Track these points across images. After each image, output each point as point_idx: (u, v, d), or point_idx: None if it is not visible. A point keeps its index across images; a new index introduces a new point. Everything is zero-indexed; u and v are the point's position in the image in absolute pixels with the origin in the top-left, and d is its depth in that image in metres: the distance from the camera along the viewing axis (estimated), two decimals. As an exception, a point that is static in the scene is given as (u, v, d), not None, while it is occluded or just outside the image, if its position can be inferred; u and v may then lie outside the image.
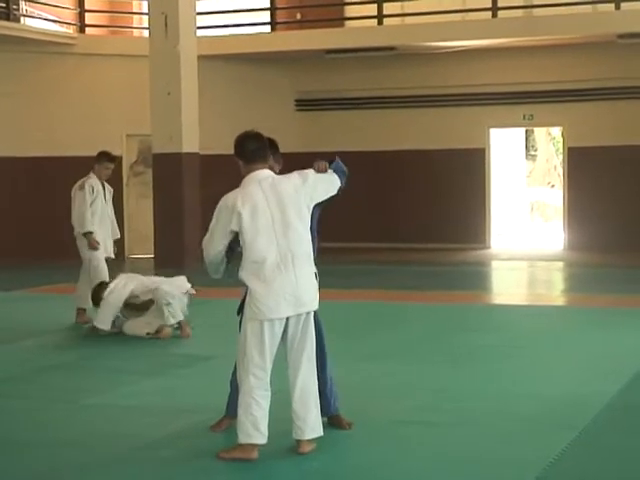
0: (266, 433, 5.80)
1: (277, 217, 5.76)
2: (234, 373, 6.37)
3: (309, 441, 5.91)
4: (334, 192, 6.09)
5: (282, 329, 5.82)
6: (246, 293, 5.89)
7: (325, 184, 6.03)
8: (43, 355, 9.44)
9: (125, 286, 10.04)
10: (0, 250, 17.47)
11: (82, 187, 10.92)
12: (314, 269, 5.96)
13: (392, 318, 11.18)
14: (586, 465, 5.79)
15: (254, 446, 5.78)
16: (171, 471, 5.71)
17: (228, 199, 5.83)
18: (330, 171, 6.11)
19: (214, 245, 5.90)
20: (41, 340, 10.02)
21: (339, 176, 6.17)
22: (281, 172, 6.25)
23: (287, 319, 5.81)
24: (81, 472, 5.75)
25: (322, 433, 5.95)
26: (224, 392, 6.77)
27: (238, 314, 6.10)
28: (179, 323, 10.03)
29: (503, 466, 5.69)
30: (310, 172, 6.03)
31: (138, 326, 10.00)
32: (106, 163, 11.03)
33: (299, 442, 5.90)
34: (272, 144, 6.20)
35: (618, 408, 7.01)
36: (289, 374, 5.94)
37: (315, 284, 5.92)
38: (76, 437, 6.52)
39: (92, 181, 10.97)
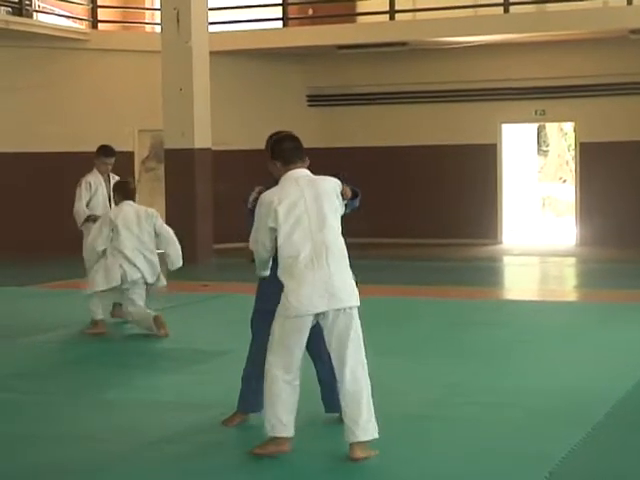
0: (292, 426, 5.77)
1: (313, 212, 5.76)
2: (246, 369, 6.40)
3: (360, 444, 5.72)
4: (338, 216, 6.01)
5: (312, 324, 5.76)
6: (259, 287, 6.01)
7: (341, 203, 5.99)
8: (56, 351, 9.49)
9: None
10: (11, 245, 17.53)
11: (79, 183, 10.94)
12: (349, 267, 5.89)
13: (404, 313, 11.19)
14: (599, 460, 5.79)
15: (285, 439, 5.75)
16: (185, 466, 5.73)
17: (265, 197, 5.84)
18: (345, 201, 6.05)
19: (260, 242, 5.89)
20: (54, 336, 10.05)
21: (351, 205, 6.17)
22: None
23: (324, 315, 5.76)
24: (95, 466, 5.77)
25: (377, 435, 5.74)
26: (238, 387, 6.80)
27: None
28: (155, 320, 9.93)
29: (516, 461, 5.70)
30: (340, 186, 6.00)
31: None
32: (102, 158, 11.02)
33: (351, 446, 5.74)
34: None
35: (631, 404, 7.01)
36: (336, 372, 5.87)
37: (352, 280, 5.88)
38: (90, 431, 6.55)
39: (90, 177, 10.95)
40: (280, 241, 5.75)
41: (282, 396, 5.72)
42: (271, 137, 6.27)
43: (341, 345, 5.81)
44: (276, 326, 5.77)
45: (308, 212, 5.75)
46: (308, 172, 5.95)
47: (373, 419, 5.75)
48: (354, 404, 5.73)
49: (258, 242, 5.90)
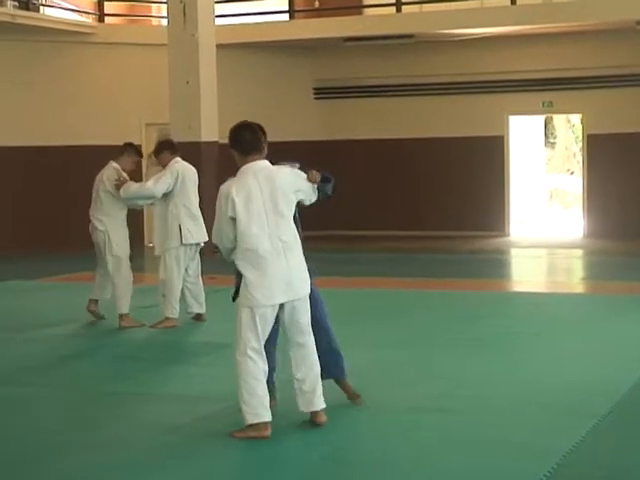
0: (269, 410, 5.97)
1: (269, 206, 5.96)
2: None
3: (322, 411, 6.16)
4: (308, 202, 6.24)
5: (275, 314, 6.02)
6: (239, 280, 6.10)
7: (308, 191, 6.18)
8: (62, 344, 9.50)
9: None
10: (16, 239, 17.56)
11: (101, 179, 10.85)
12: (302, 254, 6.12)
13: (410, 305, 11.19)
14: (606, 453, 5.79)
15: (266, 424, 5.92)
16: (190, 457, 5.74)
17: (223, 188, 6.04)
18: (314, 187, 6.21)
19: (223, 233, 6.05)
20: (60, 329, 10.06)
21: (323, 191, 6.28)
22: (302, 159, 6.49)
23: (283, 305, 6.02)
24: (96, 458, 5.78)
25: (325, 405, 6.18)
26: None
27: (233, 301, 6.27)
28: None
29: (523, 453, 5.70)
30: (302, 173, 6.18)
31: None
32: (134, 156, 10.96)
33: (315, 414, 6.14)
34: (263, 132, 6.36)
35: (637, 397, 7.00)
36: (291, 353, 6.18)
37: (305, 269, 6.10)
38: (92, 424, 6.58)
39: (109, 173, 10.86)
40: (239, 232, 5.94)
41: (260, 382, 5.97)
42: (233, 127, 6.44)
43: (301, 331, 6.12)
44: (242, 316, 6.00)
45: (265, 206, 5.95)
46: (267, 164, 6.11)
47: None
48: (312, 377, 6.16)
49: (222, 233, 6.07)
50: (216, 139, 16.74)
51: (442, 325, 9.93)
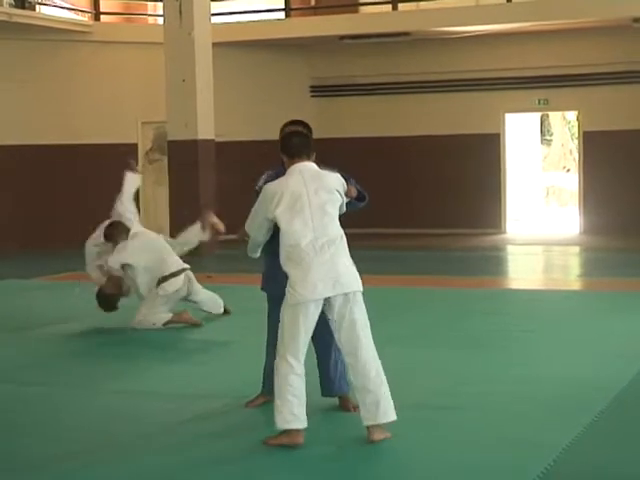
0: (304, 417, 5.78)
1: (314, 203, 5.88)
2: (268, 357, 6.42)
3: (381, 427, 5.85)
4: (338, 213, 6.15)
5: (319, 312, 5.85)
6: (266, 269, 6.21)
7: (342, 201, 6.13)
8: (61, 342, 9.51)
9: None
10: (15, 237, 17.56)
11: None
12: (349, 256, 6.00)
13: (408, 303, 11.20)
14: (603, 448, 5.81)
15: (298, 431, 5.76)
16: (188, 456, 5.76)
17: (270, 187, 6.00)
18: (346, 200, 6.19)
19: (257, 226, 6.09)
20: (59, 327, 10.07)
21: (354, 206, 6.35)
22: None
23: (330, 300, 5.84)
24: (97, 456, 5.80)
25: (395, 417, 5.87)
26: (241, 377, 6.84)
27: (262, 289, 6.43)
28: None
29: (521, 449, 5.72)
30: (344, 183, 6.15)
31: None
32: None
33: (369, 428, 5.85)
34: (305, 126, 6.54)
35: (634, 392, 7.02)
36: (345, 357, 5.97)
37: (353, 267, 5.98)
38: (92, 422, 6.58)
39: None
40: (282, 230, 5.85)
41: (293, 388, 5.75)
42: (283, 128, 6.50)
43: (351, 329, 5.92)
44: (284, 315, 5.84)
45: (310, 202, 5.87)
46: (314, 165, 6.08)
47: (390, 399, 5.86)
48: (376, 386, 5.84)
49: (255, 225, 6.09)
50: (212, 137, 16.77)
51: (439, 322, 9.94)
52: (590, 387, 7.10)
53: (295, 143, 6.10)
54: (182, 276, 10.07)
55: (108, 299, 9.96)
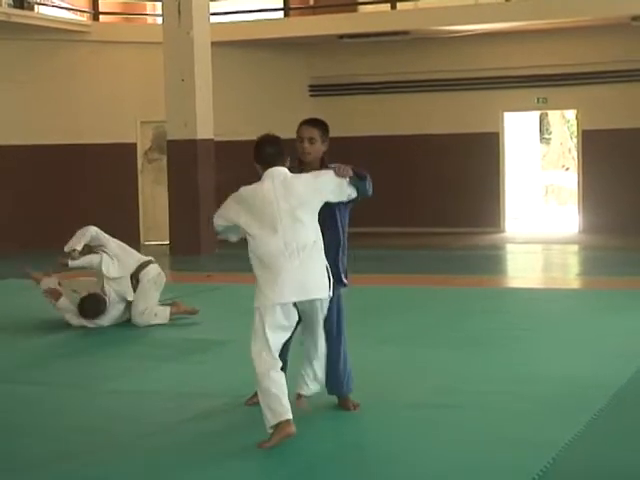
0: (289, 408, 5.85)
1: (284, 209, 5.96)
2: None
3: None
4: (343, 199, 6.24)
5: (291, 313, 5.97)
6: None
7: (336, 188, 6.20)
8: (60, 342, 9.52)
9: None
10: (15, 238, 17.57)
11: None
12: (324, 261, 6.06)
13: (407, 302, 11.21)
14: (602, 447, 5.81)
15: (288, 422, 5.80)
16: (188, 455, 5.76)
17: (242, 192, 6.12)
18: (346, 181, 6.19)
19: (222, 218, 6.19)
20: (59, 328, 10.06)
21: (359, 188, 6.27)
22: (298, 156, 6.51)
23: (297, 305, 5.98)
24: (97, 455, 5.80)
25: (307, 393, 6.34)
26: (240, 376, 6.84)
27: None
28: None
29: (520, 447, 5.72)
30: (326, 172, 6.22)
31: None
32: None
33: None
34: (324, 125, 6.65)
35: (633, 391, 7.03)
36: (306, 352, 6.27)
37: (324, 273, 6.02)
38: (91, 422, 6.58)
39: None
40: (252, 236, 5.99)
41: (275, 383, 5.85)
42: (300, 126, 6.58)
43: (313, 330, 6.18)
44: (255, 316, 5.95)
45: (279, 209, 5.96)
46: (286, 170, 6.13)
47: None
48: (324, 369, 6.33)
49: (219, 221, 6.19)
50: (212, 136, 16.77)
51: (438, 321, 9.95)
52: (589, 385, 7.11)
53: (268, 153, 6.15)
54: (155, 264, 10.22)
55: (95, 301, 9.91)
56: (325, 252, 6.08)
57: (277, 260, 5.89)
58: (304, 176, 6.19)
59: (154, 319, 9.95)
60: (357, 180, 6.22)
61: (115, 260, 9.94)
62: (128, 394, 7.32)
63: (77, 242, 9.86)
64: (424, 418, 6.40)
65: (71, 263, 9.89)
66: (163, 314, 10.03)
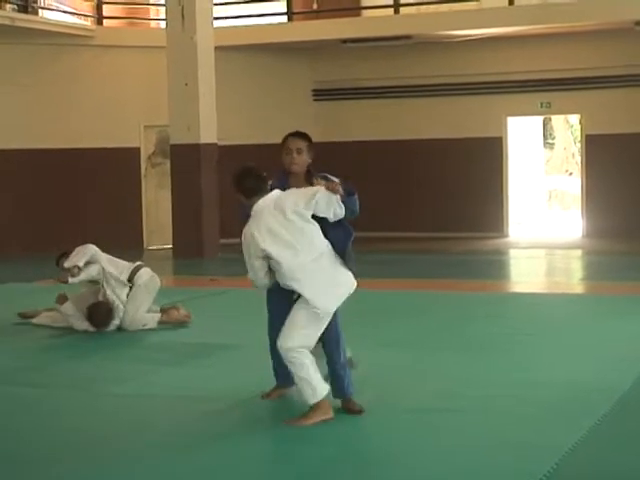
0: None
1: (290, 228, 6.24)
2: (272, 345, 6.63)
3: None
4: (330, 216, 6.36)
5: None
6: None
7: (323, 202, 6.32)
8: (62, 345, 9.53)
9: None
10: (16, 241, 17.58)
11: None
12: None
13: (410, 307, 11.20)
14: (606, 452, 5.80)
15: (328, 404, 6.25)
16: (190, 458, 5.75)
17: (247, 233, 6.33)
18: (337, 197, 6.32)
19: (259, 274, 6.36)
20: (59, 330, 10.06)
21: (348, 205, 6.41)
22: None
23: None
24: (98, 458, 5.79)
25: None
26: (243, 380, 6.85)
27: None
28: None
29: (523, 452, 5.71)
30: (316, 189, 6.36)
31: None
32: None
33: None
34: (309, 138, 6.72)
35: (637, 395, 7.01)
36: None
37: (346, 271, 6.40)
38: (90, 425, 6.57)
39: None
40: (276, 263, 6.23)
41: (314, 366, 6.23)
42: (285, 138, 6.69)
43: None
44: (299, 316, 6.22)
45: (286, 229, 6.23)
46: (273, 195, 6.36)
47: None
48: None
49: (256, 271, 6.35)
50: (215, 141, 16.79)
51: (440, 326, 9.94)
52: (593, 390, 7.09)
53: (249, 187, 6.37)
54: (147, 268, 10.21)
55: (103, 311, 9.93)
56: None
57: (310, 271, 6.21)
58: (292, 192, 6.41)
59: (142, 327, 9.96)
60: (346, 196, 6.37)
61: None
62: (130, 398, 7.31)
63: (79, 259, 9.85)
64: (426, 422, 6.39)
65: (71, 280, 9.90)
66: (152, 322, 10.04)
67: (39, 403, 7.26)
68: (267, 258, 6.24)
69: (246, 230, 6.32)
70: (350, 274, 6.37)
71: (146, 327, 9.98)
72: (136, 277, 10.02)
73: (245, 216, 6.40)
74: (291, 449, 5.83)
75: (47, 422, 6.70)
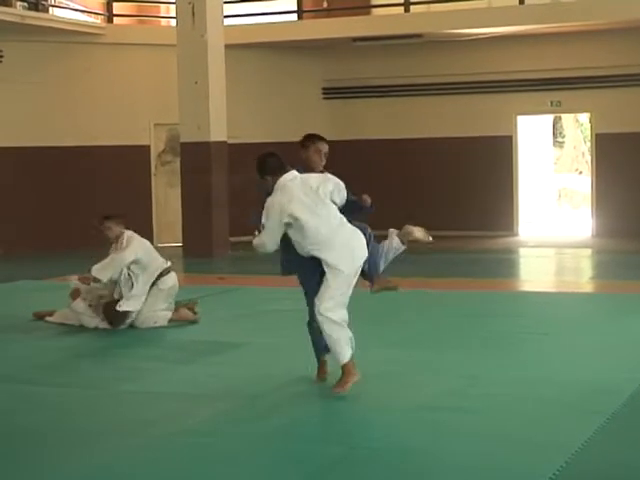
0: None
1: (317, 200, 7.06)
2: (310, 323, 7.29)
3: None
4: (337, 201, 7.25)
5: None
6: (284, 256, 7.30)
7: (338, 191, 7.25)
8: (73, 343, 9.54)
9: None
10: (26, 239, 17.61)
11: None
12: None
13: (419, 305, 11.21)
14: (615, 450, 5.80)
15: (354, 365, 6.91)
16: (203, 456, 5.77)
17: (274, 201, 7.04)
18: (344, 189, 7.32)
19: (273, 237, 7.10)
20: (71, 328, 10.09)
21: (363, 210, 7.66)
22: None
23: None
24: (112, 456, 5.81)
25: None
26: (253, 378, 6.84)
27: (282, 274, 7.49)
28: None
29: (532, 450, 5.72)
30: (332, 178, 7.30)
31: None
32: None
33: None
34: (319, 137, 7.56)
35: (647, 394, 7.02)
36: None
37: (362, 238, 7.26)
38: (104, 424, 6.58)
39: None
40: (301, 229, 6.98)
41: (345, 333, 6.95)
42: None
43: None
44: (330, 281, 6.96)
45: (312, 200, 7.04)
46: (295, 173, 7.16)
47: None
48: None
49: (270, 239, 7.11)
50: (225, 139, 16.79)
51: (451, 324, 9.94)
52: (602, 389, 7.09)
53: (274, 165, 7.17)
54: (173, 273, 10.29)
55: (117, 312, 9.98)
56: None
57: (332, 238, 7.01)
58: (314, 176, 7.26)
59: (154, 325, 10.03)
60: (368, 208, 7.68)
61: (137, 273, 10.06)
62: (142, 395, 7.33)
63: (105, 275, 9.91)
64: (436, 420, 6.39)
65: (92, 284, 9.99)
66: (163, 321, 10.10)
67: (53, 402, 7.27)
68: (289, 225, 6.97)
69: (272, 199, 7.05)
70: (363, 239, 7.22)
71: (156, 325, 10.02)
72: (161, 281, 10.11)
73: (266, 194, 7.09)
74: (299, 449, 5.84)
75: (61, 421, 6.71)
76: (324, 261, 7.01)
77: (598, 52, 18.28)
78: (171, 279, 10.24)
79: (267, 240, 7.10)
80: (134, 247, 10.04)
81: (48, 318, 10.39)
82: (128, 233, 10.21)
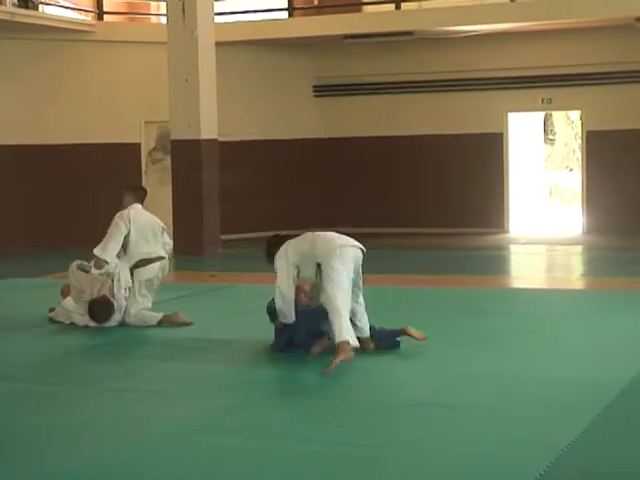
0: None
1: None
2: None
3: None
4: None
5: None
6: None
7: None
8: (67, 341, 9.52)
9: None
10: (18, 237, 17.59)
11: None
12: None
13: (410, 302, 11.21)
14: (604, 447, 5.81)
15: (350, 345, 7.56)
16: (195, 454, 5.77)
17: (281, 260, 8.13)
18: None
19: (287, 287, 8.06)
20: (64, 326, 10.08)
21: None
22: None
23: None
24: (99, 455, 5.81)
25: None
26: (246, 377, 6.83)
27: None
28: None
29: (521, 447, 5.72)
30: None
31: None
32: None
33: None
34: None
35: (637, 391, 7.03)
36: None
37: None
38: (96, 421, 6.58)
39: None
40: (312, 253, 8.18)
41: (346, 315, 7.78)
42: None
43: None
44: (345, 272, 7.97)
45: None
46: (286, 244, 8.24)
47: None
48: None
49: (286, 288, 8.05)
50: (216, 137, 16.78)
51: (441, 321, 9.94)
52: (592, 386, 7.10)
53: (278, 245, 8.28)
54: (157, 264, 10.14)
55: (104, 306, 9.94)
56: None
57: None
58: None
59: (143, 324, 9.99)
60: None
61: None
62: (134, 393, 7.31)
63: (107, 251, 9.86)
64: (425, 418, 6.40)
65: (93, 271, 9.92)
66: (153, 320, 10.03)
67: (46, 399, 7.25)
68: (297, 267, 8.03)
69: (281, 260, 8.08)
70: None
71: (146, 324, 9.98)
72: (137, 271, 10.01)
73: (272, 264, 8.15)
74: (288, 446, 5.83)
75: (55, 418, 6.69)
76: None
77: (589, 49, 18.31)
78: (148, 271, 10.07)
79: (283, 289, 8.18)
80: (128, 217, 10.00)
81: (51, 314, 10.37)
82: (136, 206, 10.16)
